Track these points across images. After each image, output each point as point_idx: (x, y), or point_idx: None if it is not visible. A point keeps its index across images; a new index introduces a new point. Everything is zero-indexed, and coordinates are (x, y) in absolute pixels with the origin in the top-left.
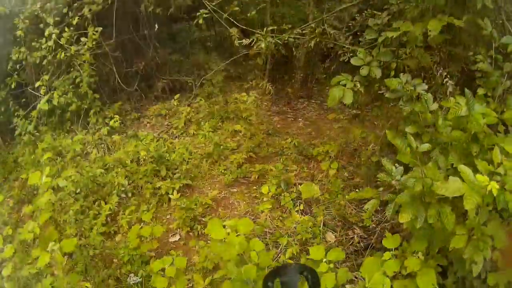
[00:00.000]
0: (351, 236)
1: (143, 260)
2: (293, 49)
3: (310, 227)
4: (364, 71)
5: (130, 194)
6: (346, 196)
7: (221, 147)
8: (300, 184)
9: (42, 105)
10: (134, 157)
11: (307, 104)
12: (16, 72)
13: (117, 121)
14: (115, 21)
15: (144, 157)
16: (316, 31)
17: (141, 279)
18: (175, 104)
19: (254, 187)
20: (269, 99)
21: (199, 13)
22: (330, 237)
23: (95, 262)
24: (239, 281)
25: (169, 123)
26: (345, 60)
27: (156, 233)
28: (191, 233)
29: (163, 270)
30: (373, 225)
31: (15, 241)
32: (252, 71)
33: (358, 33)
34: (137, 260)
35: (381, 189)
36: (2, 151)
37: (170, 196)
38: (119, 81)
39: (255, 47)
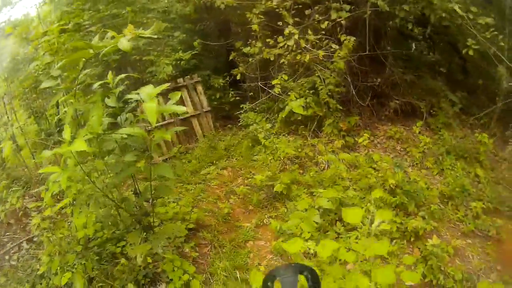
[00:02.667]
0: None
1: None
2: None
3: None
4: None
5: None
6: None
7: (462, 191)
8: None
9: (296, 108)
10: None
11: None
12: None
13: (365, 140)
14: (359, 34)
15: (391, 186)
16: None
17: None
18: (417, 131)
19: (489, 243)
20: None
21: (468, 43)
22: None
23: None
24: None
25: (402, 149)
26: None
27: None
28: (431, 283)
29: None
30: None
31: None
32: (483, 109)
33: None
34: None
35: None
36: (213, 136)
37: (426, 237)
38: (354, 93)
39: None
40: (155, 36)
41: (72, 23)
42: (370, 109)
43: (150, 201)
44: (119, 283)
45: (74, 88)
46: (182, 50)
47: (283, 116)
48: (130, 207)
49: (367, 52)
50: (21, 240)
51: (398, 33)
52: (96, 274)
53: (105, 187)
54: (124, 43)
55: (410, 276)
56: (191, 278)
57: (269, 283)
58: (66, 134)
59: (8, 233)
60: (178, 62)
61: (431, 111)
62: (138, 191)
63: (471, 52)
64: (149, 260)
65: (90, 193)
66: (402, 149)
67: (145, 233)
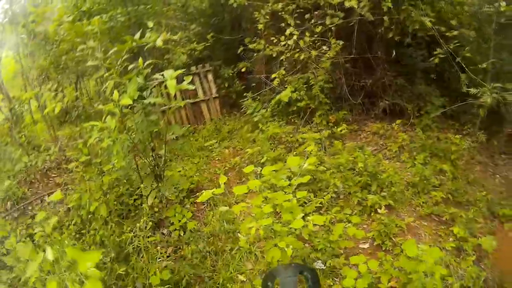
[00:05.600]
0: None
1: (334, 253)
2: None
3: None
4: None
5: (341, 196)
6: None
7: (425, 181)
8: (481, 237)
9: (283, 97)
10: (350, 164)
11: (507, 162)
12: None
13: (343, 129)
14: (353, 38)
15: (360, 169)
16: None
17: (325, 267)
18: (395, 128)
19: (443, 227)
20: (476, 147)
21: (436, 52)
22: None
23: None
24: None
25: (384, 144)
26: None
27: (357, 235)
28: (380, 246)
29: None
30: None
31: None
32: (467, 114)
33: None
34: (328, 251)
35: None
36: (219, 120)
37: (378, 210)
38: (347, 91)
39: (481, 100)
40: (178, 38)
41: (108, 15)
42: (361, 107)
43: (163, 155)
44: (131, 222)
45: (116, 67)
46: (196, 42)
47: (273, 103)
48: (148, 155)
49: (353, 55)
50: (43, 194)
51: (393, 39)
52: (113, 213)
53: (133, 140)
54: (159, 42)
55: (354, 231)
56: (187, 221)
57: (269, 283)
58: (115, 95)
59: (31, 189)
60: (192, 52)
61: (418, 113)
62: (154, 147)
63: (436, 60)
64: (156, 202)
65: (123, 142)
66: (383, 144)
67: (156, 182)
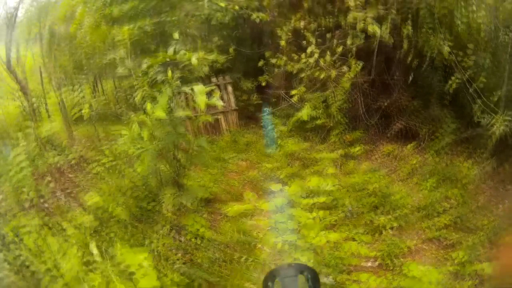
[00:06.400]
0: None
1: (340, 269)
2: None
3: None
4: None
5: (354, 215)
6: None
7: (434, 206)
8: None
9: (303, 115)
10: (363, 185)
11: None
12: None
13: (360, 150)
14: (373, 60)
15: (373, 189)
16: None
17: (334, 282)
18: (409, 149)
19: (444, 250)
20: (485, 173)
21: (451, 80)
22: None
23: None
24: None
25: (397, 166)
26: None
27: (365, 254)
28: (383, 266)
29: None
30: None
31: None
32: (479, 139)
33: None
34: (336, 266)
35: None
36: (237, 132)
37: (384, 231)
38: (364, 111)
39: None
40: (213, 59)
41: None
42: (376, 127)
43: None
44: (148, 227)
45: (147, 80)
46: (218, 53)
47: (293, 121)
48: (172, 164)
49: (372, 76)
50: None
51: (411, 62)
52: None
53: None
54: (194, 61)
55: (364, 250)
56: (204, 231)
57: (269, 283)
58: (148, 107)
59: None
60: (214, 63)
61: (431, 136)
62: (176, 157)
63: (453, 86)
64: (174, 210)
65: (151, 150)
66: (396, 166)
67: (177, 190)
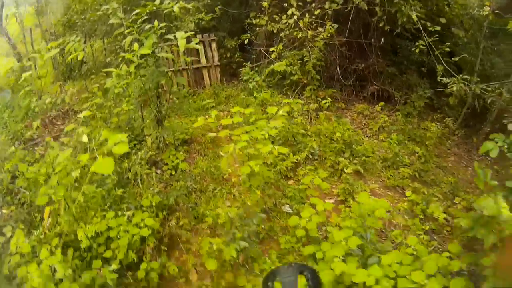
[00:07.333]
0: None
1: (301, 201)
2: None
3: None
4: None
5: (316, 157)
6: None
7: (398, 158)
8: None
9: (276, 67)
10: (330, 134)
11: (482, 158)
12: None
13: (327, 102)
14: (350, 24)
15: (337, 137)
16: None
17: (292, 211)
18: (378, 110)
19: (405, 198)
20: (450, 137)
21: (417, 43)
22: None
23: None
24: None
25: (366, 123)
26: None
27: (322, 186)
28: (344, 202)
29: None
30: None
31: None
32: (446, 106)
33: None
34: (297, 198)
35: None
36: (218, 86)
37: (345, 170)
38: (339, 72)
39: (448, 87)
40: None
41: None
42: (353, 88)
43: (167, 104)
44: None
45: (136, 26)
46: (205, 13)
47: (268, 71)
48: (154, 101)
49: (347, 39)
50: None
51: (389, 29)
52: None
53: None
54: (176, 9)
55: (320, 182)
56: (180, 162)
57: (269, 283)
58: (135, 47)
59: (37, 133)
60: (200, 21)
61: (405, 100)
62: (159, 95)
63: (417, 51)
64: (154, 147)
65: (136, 86)
66: (366, 123)
67: (157, 126)
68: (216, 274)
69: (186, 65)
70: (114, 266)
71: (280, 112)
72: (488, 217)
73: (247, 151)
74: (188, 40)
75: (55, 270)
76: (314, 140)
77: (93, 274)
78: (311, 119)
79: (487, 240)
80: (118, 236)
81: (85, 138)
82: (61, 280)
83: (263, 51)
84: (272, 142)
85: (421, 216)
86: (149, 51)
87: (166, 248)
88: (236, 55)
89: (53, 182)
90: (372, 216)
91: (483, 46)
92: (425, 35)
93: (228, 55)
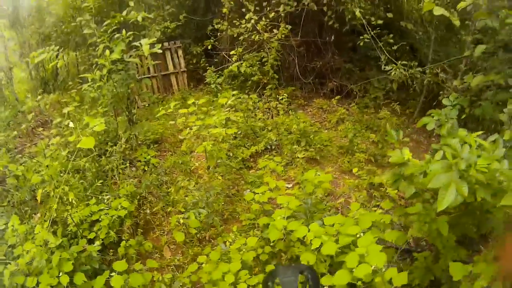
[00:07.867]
0: None
1: (260, 185)
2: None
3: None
4: None
5: (273, 147)
6: None
7: (355, 146)
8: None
9: (233, 67)
10: (287, 127)
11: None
12: (213, 38)
13: (284, 98)
14: (302, 24)
15: (293, 129)
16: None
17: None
18: (334, 103)
19: (359, 180)
20: (409, 125)
21: (362, 37)
22: None
23: (231, 179)
24: None
25: (325, 117)
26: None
27: (277, 170)
28: (300, 186)
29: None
30: None
31: None
32: (407, 98)
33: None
34: (257, 183)
35: None
36: (186, 91)
37: (298, 155)
38: (298, 71)
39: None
40: (153, 17)
41: None
42: (312, 86)
43: (135, 105)
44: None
45: (107, 35)
46: (170, 21)
47: (227, 72)
48: (125, 102)
49: (300, 39)
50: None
51: (340, 27)
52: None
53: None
54: (139, 18)
55: (274, 166)
56: (151, 158)
57: (269, 283)
58: (107, 53)
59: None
60: (166, 29)
61: (364, 94)
62: (129, 97)
63: (361, 43)
64: (128, 147)
65: (108, 89)
66: (325, 117)
67: (129, 126)
68: (186, 249)
69: (155, 72)
70: (98, 243)
71: (229, 101)
72: (398, 165)
73: (201, 134)
74: (152, 46)
75: (47, 244)
76: (272, 132)
77: (80, 249)
78: (272, 115)
79: (408, 192)
80: (100, 219)
81: (71, 124)
82: (52, 253)
83: (225, 55)
84: (235, 138)
85: (368, 189)
86: (119, 56)
87: (142, 231)
88: (202, 61)
89: (46, 162)
90: (319, 187)
91: (434, 37)
92: (369, 29)
93: (194, 61)
